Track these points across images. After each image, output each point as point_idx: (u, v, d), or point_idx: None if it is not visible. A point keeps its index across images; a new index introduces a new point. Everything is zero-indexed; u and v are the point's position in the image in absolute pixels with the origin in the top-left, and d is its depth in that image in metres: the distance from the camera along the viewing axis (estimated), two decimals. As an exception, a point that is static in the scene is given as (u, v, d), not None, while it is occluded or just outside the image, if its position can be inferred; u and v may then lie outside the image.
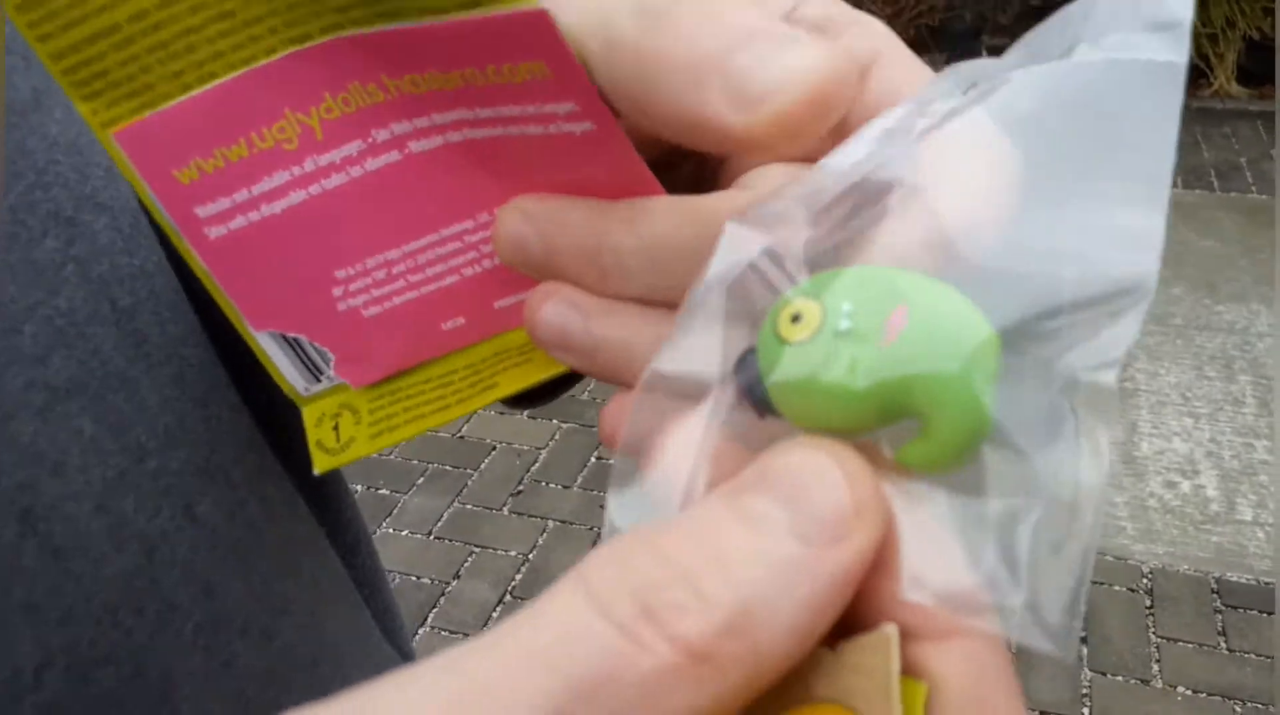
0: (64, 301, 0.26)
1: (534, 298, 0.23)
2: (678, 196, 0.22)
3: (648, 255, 0.21)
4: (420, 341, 0.27)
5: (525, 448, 2.23)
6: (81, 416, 0.25)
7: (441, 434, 2.28)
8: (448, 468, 2.19)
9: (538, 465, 2.18)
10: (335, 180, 0.24)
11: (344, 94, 0.23)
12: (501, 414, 2.33)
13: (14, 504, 0.24)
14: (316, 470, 0.28)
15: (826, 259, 0.18)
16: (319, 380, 0.28)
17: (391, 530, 2.01)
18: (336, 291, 0.26)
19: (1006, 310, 0.16)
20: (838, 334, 0.16)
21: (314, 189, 0.24)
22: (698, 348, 0.18)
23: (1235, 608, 1.79)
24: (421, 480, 2.15)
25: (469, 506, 2.08)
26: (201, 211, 0.24)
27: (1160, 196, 0.16)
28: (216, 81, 0.23)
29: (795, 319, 0.16)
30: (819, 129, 0.17)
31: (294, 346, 0.27)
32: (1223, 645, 1.73)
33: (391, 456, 2.21)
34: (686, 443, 0.18)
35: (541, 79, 0.21)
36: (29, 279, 0.25)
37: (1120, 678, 1.68)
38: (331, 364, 0.27)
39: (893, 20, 3.40)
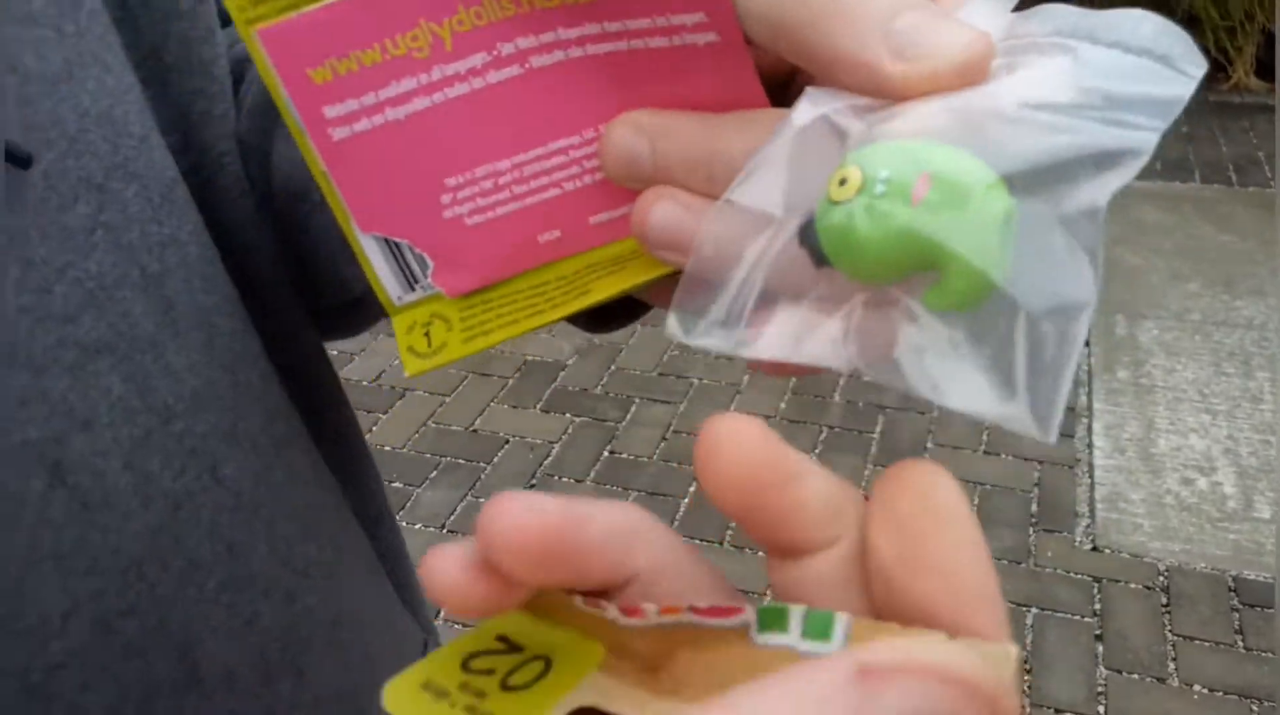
0: (94, 265, 0.26)
1: (644, 199, 0.25)
2: (782, 108, 0.24)
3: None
4: (517, 252, 0.28)
5: (538, 441, 2.23)
6: (111, 375, 0.26)
7: (454, 427, 2.28)
8: (461, 461, 2.19)
9: (550, 459, 2.18)
10: (457, 90, 0.25)
11: (477, 7, 0.24)
12: (514, 407, 2.34)
13: (44, 456, 0.24)
14: (408, 373, 0.29)
15: (878, 124, 0.21)
16: (413, 289, 0.29)
17: (405, 524, 2.01)
18: (445, 198, 0.27)
19: (1018, 166, 0.19)
20: (875, 197, 0.19)
21: (437, 97, 0.25)
22: (766, 185, 0.22)
23: (1252, 606, 1.78)
24: (435, 474, 2.15)
25: (482, 500, 2.08)
26: (329, 111, 0.26)
27: (1176, 90, 0.20)
28: None
29: (842, 183, 0.20)
30: (956, 90, 0.21)
31: (395, 252, 0.28)
32: (1239, 644, 1.72)
33: (405, 450, 2.22)
34: (745, 267, 0.22)
35: None
36: (60, 242, 0.26)
37: (1136, 676, 1.67)
38: (429, 272, 0.28)
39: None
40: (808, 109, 0.22)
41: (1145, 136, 0.19)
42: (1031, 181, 0.19)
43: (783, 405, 2.30)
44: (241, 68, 0.37)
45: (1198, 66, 0.20)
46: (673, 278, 0.27)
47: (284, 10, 0.25)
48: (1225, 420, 2.19)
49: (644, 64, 0.24)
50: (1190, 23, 3.59)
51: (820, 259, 0.21)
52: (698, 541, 1.92)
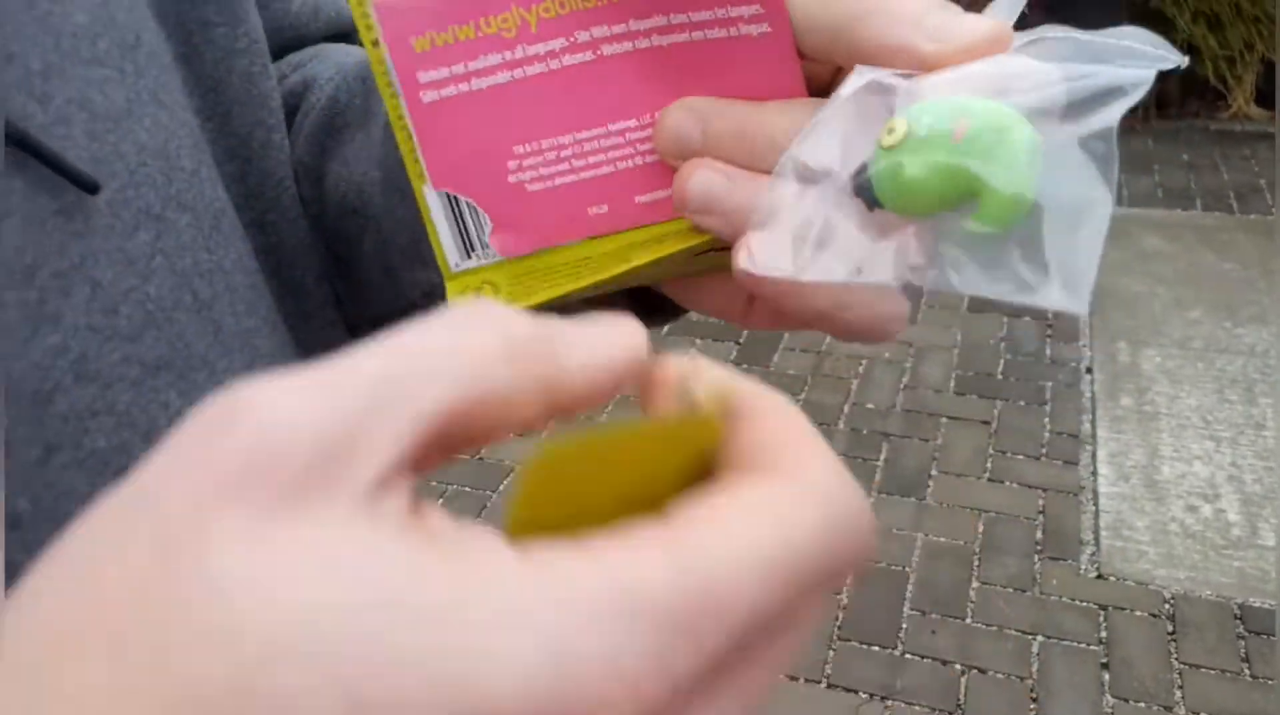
0: (153, 289, 0.29)
1: (686, 167, 0.28)
2: (819, 98, 0.27)
3: (798, 132, 0.26)
4: (568, 221, 0.31)
5: (544, 469, 2.23)
6: (169, 391, 0.29)
7: (460, 455, 2.28)
8: (467, 489, 2.19)
9: (556, 487, 2.19)
10: (535, 69, 0.29)
11: None
12: (520, 436, 2.34)
13: (110, 465, 0.27)
14: None
15: (918, 83, 0.25)
16: (469, 257, 0.32)
17: (411, 551, 2.01)
18: (511, 164, 0.30)
19: (1039, 105, 0.23)
20: (919, 139, 0.23)
21: (517, 74, 0.29)
22: (824, 141, 0.26)
23: (1258, 634, 1.78)
24: (441, 502, 2.16)
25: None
26: (423, 76, 0.29)
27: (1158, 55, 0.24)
28: None
29: (890, 131, 0.24)
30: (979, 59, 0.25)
31: (458, 217, 0.31)
32: (1246, 671, 1.72)
33: (411, 477, 2.22)
34: (807, 210, 0.26)
35: None
36: (124, 267, 0.28)
37: (1142, 704, 1.67)
38: (488, 232, 0.31)
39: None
40: (857, 78, 0.26)
41: (1146, 73, 0.23)
42: (1051, 117, 0.23)
43: (787, 433, 2.31)
44: (295, 99, 0.40)
45: (1177, 55, 0.24)
46: (708, 276, 0.30)
47: None
48: (1229, 447, 2.19)
49: (701, 55, 0.28)
50: (1190, 52, 3.59)
51: (873, 202, 0.25)
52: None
